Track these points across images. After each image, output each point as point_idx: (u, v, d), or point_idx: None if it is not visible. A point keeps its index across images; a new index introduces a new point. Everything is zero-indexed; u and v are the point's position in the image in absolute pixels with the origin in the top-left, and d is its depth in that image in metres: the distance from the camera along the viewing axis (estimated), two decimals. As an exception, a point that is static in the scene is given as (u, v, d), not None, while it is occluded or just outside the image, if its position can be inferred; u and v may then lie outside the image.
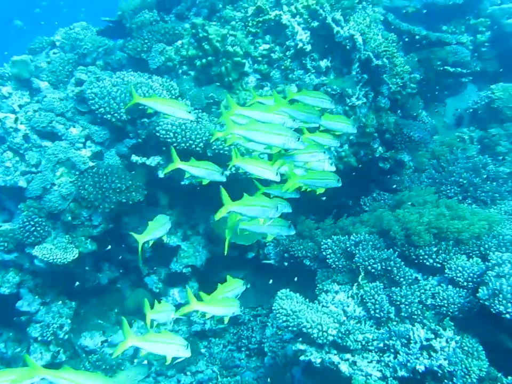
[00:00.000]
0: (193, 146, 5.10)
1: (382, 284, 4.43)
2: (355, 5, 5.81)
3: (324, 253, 4.93)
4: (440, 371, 3.89)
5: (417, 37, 7.41)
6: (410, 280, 4.44)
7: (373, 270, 4.51)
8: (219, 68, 5.48)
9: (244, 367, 5.69)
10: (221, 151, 5.14)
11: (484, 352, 3.95)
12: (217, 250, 5.78)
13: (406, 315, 4.23)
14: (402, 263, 4.48)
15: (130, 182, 5.29)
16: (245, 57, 5.53)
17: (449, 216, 4.62)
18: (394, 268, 4.45)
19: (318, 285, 4.82)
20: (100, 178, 5.24)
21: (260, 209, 3.59)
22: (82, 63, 6.07)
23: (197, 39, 5.56)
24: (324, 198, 5.45)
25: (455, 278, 4.29)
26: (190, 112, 4.17)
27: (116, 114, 5.32)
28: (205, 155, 5.13)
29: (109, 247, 5.58)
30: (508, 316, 3.70)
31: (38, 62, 6.03)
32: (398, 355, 4.06)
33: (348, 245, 4.80)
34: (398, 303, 4.26)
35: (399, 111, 6.39)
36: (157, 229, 4.21)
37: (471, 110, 7.48)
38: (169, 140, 5.11)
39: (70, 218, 5.33)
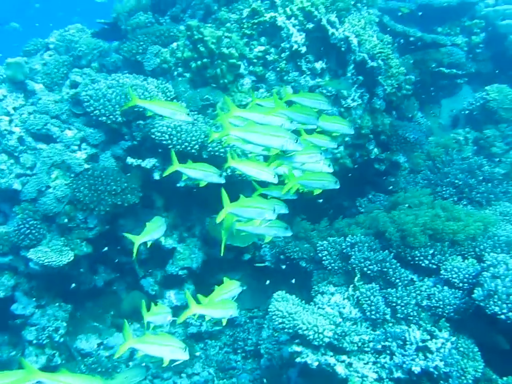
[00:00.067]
0: (189, 148, 5.09)
1: (377, 285, 4.44)
2: (350, 7, 5.82)
3: (319, 254, 4.93)
4: (436, 372, 3.90)
5: (412, 38, 7.41)
6: (406, 282, 4.44)
7: (368, 272, 4.51)
8: (214, 69, 5.48)
9: (240, 369, 5.69)
10: (217, 153, 5.14)
11: (479, 353, 3.97)
12: (213, 252, 5.77)
13: (402, 316, 4.24)
14: (398, 264, 4.49)
15: (125, 184, 5.28)
16: (240, 59, 5.53)
17: (444, 217, 4.63)
18: (390, 269, 4.46)
19: (314, 287, 4.82)
20: (95, 180, 5.23)
21: (257, 210, 3.59)
22: (77, 65, 6.06)
23: (192, 41, 5.57)
24: (321, 201, 5.47)
25: (450, 279, 4.29)
26: (188, 114, 4.17)
27: (111, 117, 5.31)
28: (201, 157, 5.12)
29: (106, 248, 5.57)
30: (503, 316, 3.71)
31: (32, 64, 6.00)
32: (394, 356, 4.07)
33: (343, 247, 4.80)
34: (394, 304, 4.26)
35: (394, 112, 6.39)
36: (154, 230, 4.21)
37: (466, 112, 7.50)
38: (164, 142, 5.11)
39: (65, 220, 5.31)
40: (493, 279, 3.91)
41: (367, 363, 4.14)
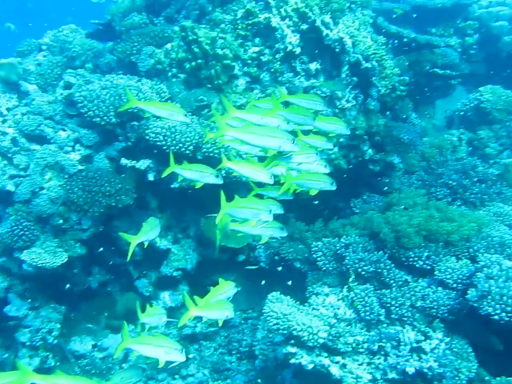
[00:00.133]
0: (183, 149, 5.08)
1: (372, 286, 4.44)
2: (344, 8, 5.83)
3: (314, 255, 4.93)
4: (430, 373, 3.91)
5: (406, 39, 7.44)
6: (400, 282, 4.45)
7: (363, 272, 4.52)
8: (209, 70, 5.48)
9: (235, 370, 5.68)
10: (211, 154, 5.13)
11: (473, 353, 3.98)
12: (207, 253, 5.76)
13: (396, 317, 4.25)
14: (393, 265, 4.50)
15: (119, 186, 5.26)
16: (235, 60, 5.53)
17: (438, 218, 4.64)
18: (385, 270, 4.46)
19: (308, 288, 4.82)
20: (89, 181, 5.21)
21: (253, 211, 3.58)
22: (71, 66, 6.05)
23: (187, 42, 5.56)
24: (317, 202, 5.47)
25: (444, 279, 4.30)
26: (186, 115, 4.17)
27: (105, 118, 5.30)
28: (195, 158, 5.11)
29: (101, 249, 5.56)
30: (496, 317, 3.72)
31: (26, 64, 5.98)
32: (388, 357, 4.07)
33: (338, 247, 4.80)
34: (388, 305, 4.27)
35: (388, 113, 6.41)
36: (150, 231, 4.21)
37: (460, 112, 7.53)
38: (159, 143, 5.10)
39: (59, 222, 5.29)
40: (487, 279, 3.92)
41: (361, 364, 4.14)
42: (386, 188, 6.28)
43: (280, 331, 4.24)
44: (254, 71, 5.54)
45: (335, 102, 5.70)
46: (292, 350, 4.21)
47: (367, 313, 4.28)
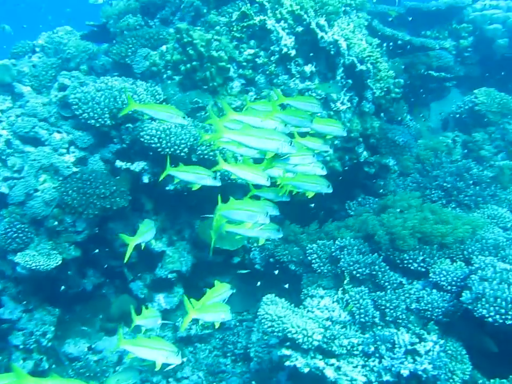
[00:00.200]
0: (178, 151, 5.08)
1: (367, 289, 4.45)
2: (339, 10, 5.83)
3: (309, 257, 4.94)
4: (424, 375, 3.91)
5: (400, 42, 7.47)
6: (395, 285, 4.46)
7: (358, 275, 4.52)
8: (204, 72, 5.47)
9: (230, 372, 5.67)
10: (206, 156, 5.13)
11: (467, 355, 3.99)
12: (202, 255, 5.76)
13: (391, 319, 4.25)
14: (387, 267, 4.51)
15: (114, 188, 5.25)
16: (230, 62, 5.53)
17: (433, 220, 4.66)
18: (379, 273, 4.47)
19: (303, 290, 4.82)
20: (83, 184, 5.19)
21: (249, 213, 3.58)
22: (66, 68, 6.02)
23: (182, 44, 5.56)
24: (313, 205, 5.48)
25: (439, 282, 4.32)
26: (184, 118, 4.17)
27: (100, 120, 5.28)
28: (190, 160, 5.11)
29: (97, 250, 5.54)
30: (490, 319, 3.73)
31: (20, 66, 5.96)
32: (382, 360, 4.08)
33: (333, 250, 4.81)
34: (383, 307, 4.27)
35: (382, 114, 6.41)
36: (146, 232, 4.21)
37: (456, 115, 7.55)
38: (153, 145, 5.09)
39: (53, 224, 5.26)
40: (481, 282, 3.93)
41: (356, 366, 4.14)
42: (381, 190, 6.29)
43: (275, 333, 4.24)
44: (249, 73, 5.55)
45: (330, 104, 5.70)
46: (287, 352, 4.21)
47: (362, 315, 4.28)
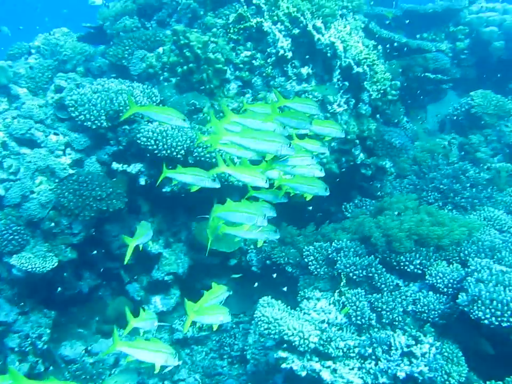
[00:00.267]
0: (174, 153, 5.07)
1: (363, 291, 4.45)
2: (336, 13, 5.84)
3: (305, 259, 4.94)
4: (420, 377, 3.91)
5: (397, 44, 7.49)
6: (391, 287, 4.46)
7: (354, 277, 4.52)
8: (200, 74, 5.47)
9: (226, 374, 5.66)
10: (202, 158, 5.12)
11: (463, 358, 4.00)
12: (199, 257, 5.75)
13: (387, 321, 4.25)
14: (384, 269, 4.51)
15: (111, 190, 5.23)
16: (226, 64, 5.53)
17: (429, 222, 4.66)
18: (376, 275, 4.47)
19: (300, 292, 4.82)
20: (80, 185, 5.18)
21: (247, 215, 3.57)
22: (62, 70, 6.01)
23: (178, 46, 5.55)
24: (311, 208, 5.47)
25: (435, 284, 4.32)
26: (184, 120, 4.16)
27: (96, 122, 5.27)
28: (186, 162, 5.10)
29: (95, 252, 5.52)
30: (486, 321, 3.74)
31: (17, 68, 5.94)
32: (379, 362, 4.07)
33: (329, 252, 4.81)
34: (380, 309, 4.27)
35: (379, 116, 6.42)
36: (144, 234, 4.21)
37: (452, 117, 7.57)
38: (150, 147, 5.08)
39: (49, 226, 5.25)
40: (477, 284, 3.94)
41: (353, 368, 4.14)
42: (378, 192, 6.30)
43: (272, 335, 4.24)
44: (245, 75, 5.55)
45: (326, 107, 5.71)
46: (283, 354, 4.21)
47: (358, 317, 4.28)
